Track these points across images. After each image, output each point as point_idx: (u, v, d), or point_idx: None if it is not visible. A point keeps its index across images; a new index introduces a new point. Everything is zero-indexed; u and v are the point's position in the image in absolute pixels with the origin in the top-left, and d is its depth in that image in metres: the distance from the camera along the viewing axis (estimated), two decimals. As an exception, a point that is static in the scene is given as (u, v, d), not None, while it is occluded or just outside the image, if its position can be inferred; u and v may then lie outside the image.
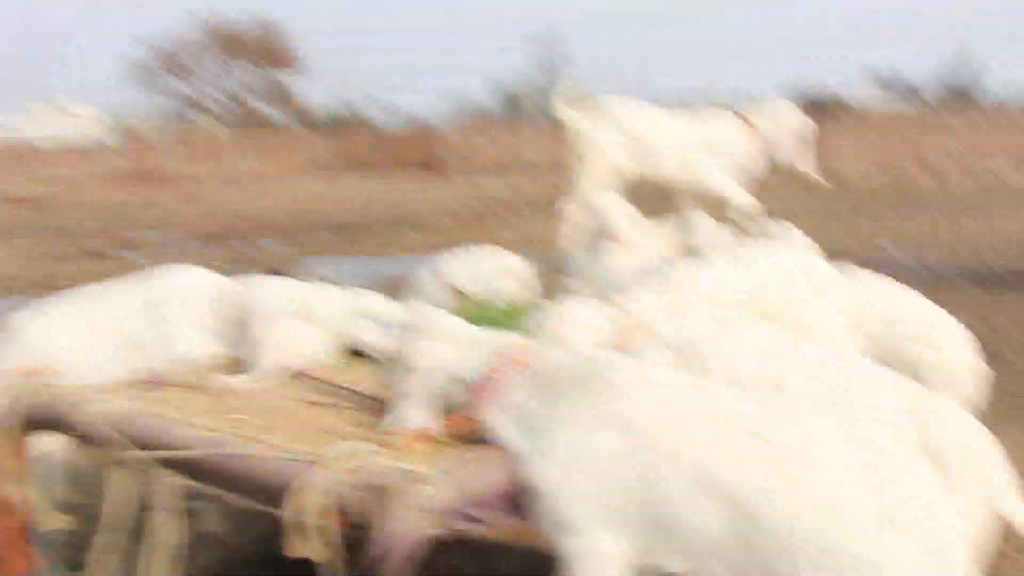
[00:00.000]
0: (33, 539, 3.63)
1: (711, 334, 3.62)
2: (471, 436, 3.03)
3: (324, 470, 2.59)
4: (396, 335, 3.28)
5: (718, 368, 3.45)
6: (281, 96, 50.68)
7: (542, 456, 2.84)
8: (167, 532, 3.04)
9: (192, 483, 2.95)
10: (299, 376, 3.87)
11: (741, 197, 6.32)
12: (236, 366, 4.03)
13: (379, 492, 2.52)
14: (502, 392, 3.02)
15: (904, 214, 19.22)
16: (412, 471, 2.60)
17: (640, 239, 5.81)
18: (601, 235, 5.69)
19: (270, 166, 38.40)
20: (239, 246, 18.39)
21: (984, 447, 3.23)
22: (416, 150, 38.31)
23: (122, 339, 4.21)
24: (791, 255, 4.69)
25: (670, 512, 2.72)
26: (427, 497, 2.54)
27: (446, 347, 3.17)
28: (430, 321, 3.25)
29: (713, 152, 6.26)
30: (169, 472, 2.97)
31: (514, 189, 29.24)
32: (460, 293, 5.79)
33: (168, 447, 2.94)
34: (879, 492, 2.64)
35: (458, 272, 5.76)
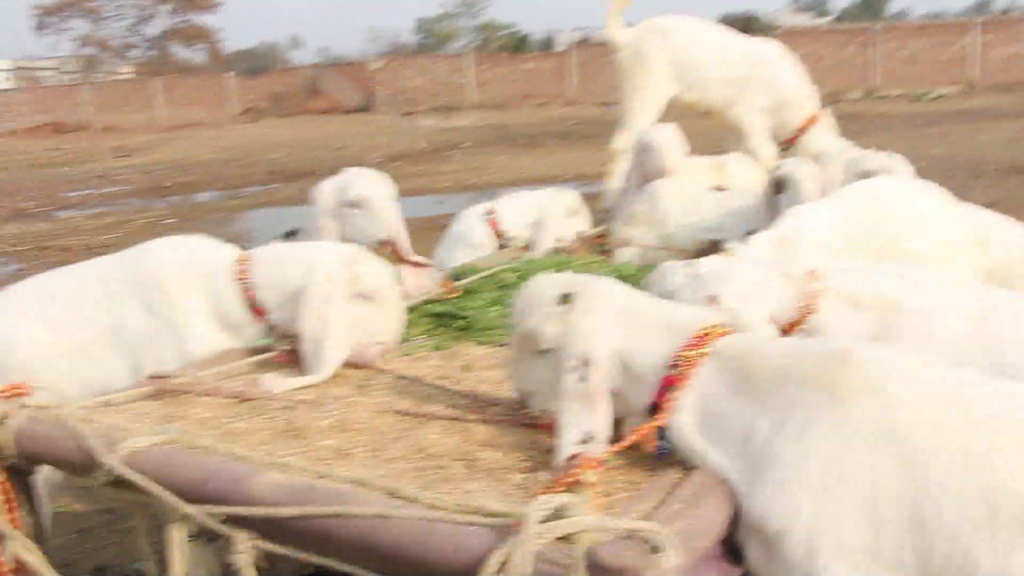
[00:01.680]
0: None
1: (899, 287, 2.83)
2: (651, 450, 2.21)
3: (526, 541, 1.70)
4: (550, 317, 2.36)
5: (924, 330, 2.68)
6: (200, 39, 48.16)
7: (779, 485, 2.01)
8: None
9: (290, 551, 2.02)
10: (371, 372, 2.98)
11: (766, 147, 5.76)
12: (266, 365, 3.13)
13: (610, 573, 1.66)
14: (700, 391, 2.19)
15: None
16: (638, 531, 1.74)
17: (691, 174, 5.10)
18: (652, 172, 4.90)
19: (196, 113, 36.58)
20: (182, 201, 17.24)
21: None
22: (347, 91, 36.97)
23: (111, 337, 3.26)
24: (892, 186, 3.99)
25: (957, 556, 1.94)
26: (672, 566, 1.70)
27: (613, 326, 2.31)
28: (591, 289, 2.37)
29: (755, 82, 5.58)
30: (248, 535, 2.07)
31: (452, 126, 28.76)
32: (513, 242, 4.99)
33: (242, 502, 2.04)
34: None
35: (514, 217, 4.96)
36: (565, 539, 1.74)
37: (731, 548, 2.08)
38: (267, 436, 2.48)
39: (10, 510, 2.59)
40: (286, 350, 3.12)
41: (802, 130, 5.47)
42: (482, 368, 3.05)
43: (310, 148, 24.38)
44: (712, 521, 1.98)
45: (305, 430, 2.47)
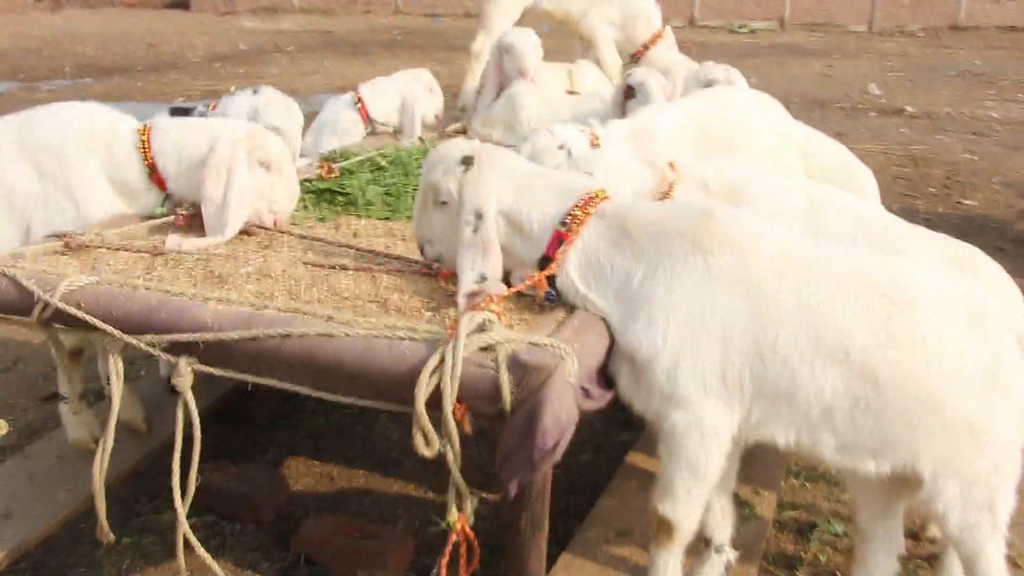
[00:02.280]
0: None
1: (749, 179, 3.32)
2: (540, 296, 2.61)
3: (455, 349, 2.05)
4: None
5: (764, 212, 3.18)
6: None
7: (649, 322, 2.45)
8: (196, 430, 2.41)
9: (231, 373, 2.30)
10: (272, 235, 3.23)
11: (611, 57, 6.18)
12: (166, 228, 3.32)
13: (533, 372, 2.04)
14: (584, 245, 2.59)
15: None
16: (544, 344, 2.13)
17: (545, 78, 5.49)
18: (511, 73, 5.25)
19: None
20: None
21: (1013, 291, 3.16)
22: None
23: (4, 197, 3.35)
24: (733, 95, 4.54)
25: (788, 379, 2.44)
26: (573, 375, 2.11)
27: (507, 189, 2.67)
28: (490, 155, 2.72)
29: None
30: (189, 359, 2.33)
31: (276, 28, 27.98)
32: (383, 127, 5.25)
33: (188, 329, 2.30)
34: (982, 351, 2.48)
35: (380, 104, 5.22)
36: (487, 349, 2.12)
37: (605, 377, 2.53)
38: (190, 284, 2.70)
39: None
40: (184, 215, 3.32)
41: (647, 46, 5.91)
42: (370, 236, 3.36)
43: (122, 43, 23.20)
44: (595, 347, 2.40)
45: (227, 277, 2.72)
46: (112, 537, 2.72)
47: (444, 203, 2.74)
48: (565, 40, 6.98)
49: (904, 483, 2.65)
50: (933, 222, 7.74)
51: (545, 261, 2.60)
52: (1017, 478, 2.60)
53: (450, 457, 2.09)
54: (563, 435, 2.04)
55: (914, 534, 3.58)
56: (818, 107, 14.64)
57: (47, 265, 2.79)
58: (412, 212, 3.39)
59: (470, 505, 2.19)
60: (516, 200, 2.66)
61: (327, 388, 2.25)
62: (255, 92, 3.92)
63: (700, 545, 2.97)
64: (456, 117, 5.76)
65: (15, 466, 3.52)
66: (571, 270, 2.59)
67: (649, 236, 2.54)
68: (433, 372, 2.07)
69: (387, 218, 3.63)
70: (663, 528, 2.60)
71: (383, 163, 4.21)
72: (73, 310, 2.44)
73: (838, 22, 30.40)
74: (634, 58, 5.89)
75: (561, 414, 2.02)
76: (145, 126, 3.43)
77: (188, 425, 2.48)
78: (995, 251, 7.74)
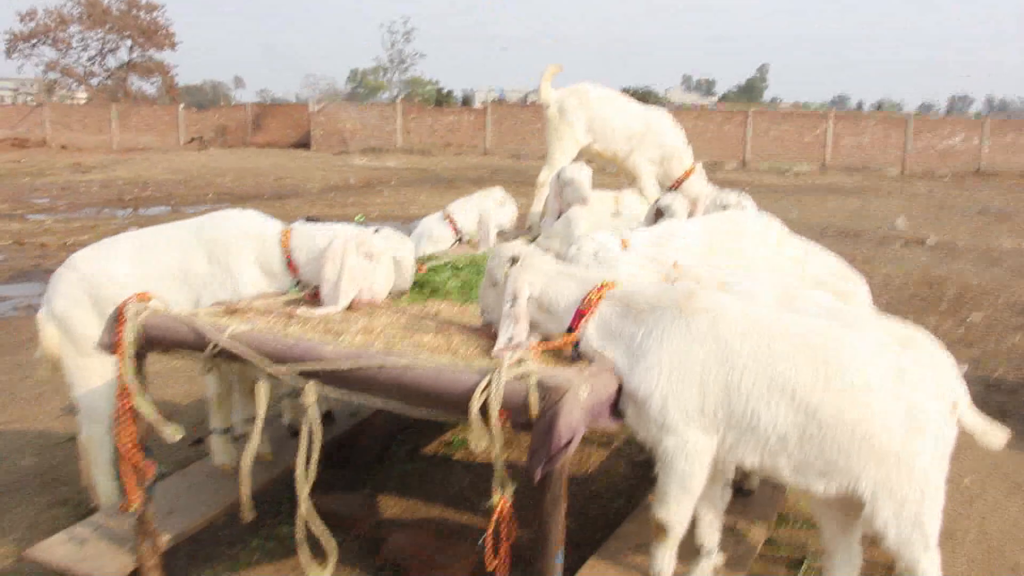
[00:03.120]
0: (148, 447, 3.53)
1: (732, 277, 3.87)
2: (567, 353, 3.18)
3: (500, 375, 2.66)
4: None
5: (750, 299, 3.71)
6: (156, 72, 47.98)
7: (646, 369, 3.00)
8: (317, 436, 3.05)
9: (343, 393, 2.93)
10: (373, 310, 3.87)
11: (652, 188, 6.76)
12: (298, 302, 3.99)
13: (553, 391, 2.62)
14: (599, 317, 3.17)
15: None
16: (567, 377, 2.72)
17: (595, 203, 6.12)
18: (571, 200, 5.90)
19: (147, 139, 36.59)
20: (141, 213, 17.62)
21: (950, 370, 3.59)
22: (286, 129, 37.39)
23: (183, 275, 4.10)
24: (742, 215, 5.06)
25: (749, 413, 2.94)
26: (585, 396, 2.67)
27: (538, 282, 3.29)
28: (530, 258, 3.36)
29: (648, 139, 6.63)
30: (315, 383, 2.96)
31: (381, 166, 29.29)
32: (467, 236, 5.99)
33: (322, 361, 2.94)
34: (902, 398, 2.94)
35: (463, 217, 5.97)
36: (522, 377, 2.71)
37: (616, 411, 3.07)
38: (315, 334, 3.32)
39: (143, 390, 3.42)
40: (309, 293, 4.00)
41: (682, 179, 6.55)
42: (448, 315, 3.99)
43: (253, 175, 24.82)
44: (607, 385, 2.96)
45: (340, 331, 3.35)
46: (254, 514, 3.32)
47: (495, 285, 3.37)
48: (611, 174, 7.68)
49: (854, 504, 3.09)
50: (939, 332, 8.13)
51: (570, 331, 3.19)
52: (941, 503, 3.02)
53: (496, 450, 2.67)
54: (573, 436, 2.60)
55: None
56: (851, 237, 15.12)
57: (214, 320, 3.46)
58: (476, 298, 4.08)
59: (509, 489, 2.74)
60: (545, 290, 3.27)
61: (409, 403, 2.84)
62: (376, 231, 4.48)
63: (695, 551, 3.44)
64: (522, 235, 6.43)
65: (178, 478, 4.19)
66: (590, 335, 3.17)
67: (648, 306, 3.11)
68: (483, 390, 2.67)
69: (462, 303, 4.23)
70: (659, 528, 3.10)
71: (461, 264, 4.85)
72: (236, 346, 3.10)
73: (875, 167, 30.72)
74: (671, 189, 6.52)
75: (571, 421, 2.59)
76: (286, 229, 4.16)
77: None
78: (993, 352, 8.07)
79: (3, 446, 5.62)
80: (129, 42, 48.03)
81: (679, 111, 32.65)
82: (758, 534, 3.98)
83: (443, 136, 35.17)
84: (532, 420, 2.64)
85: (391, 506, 4.63)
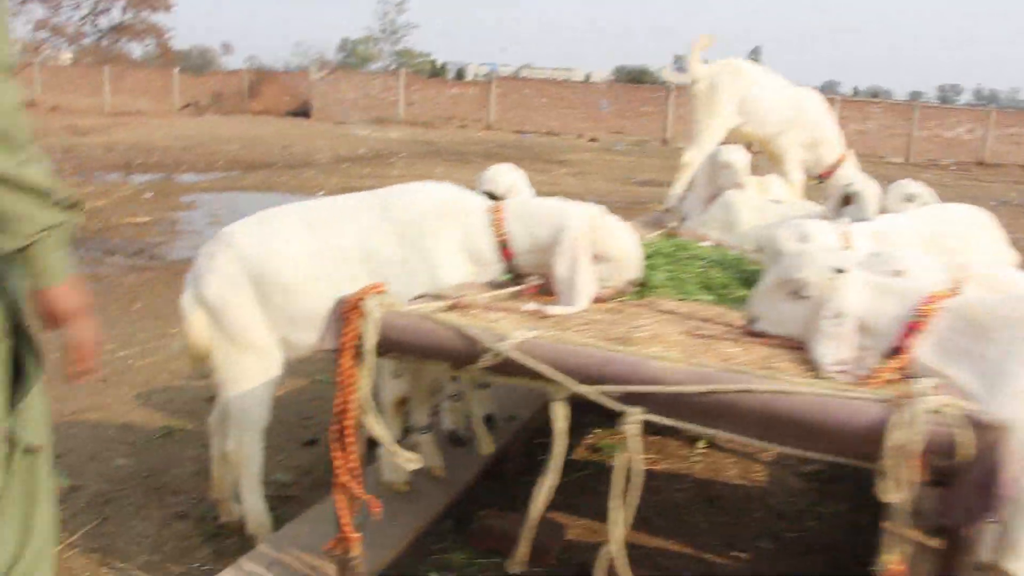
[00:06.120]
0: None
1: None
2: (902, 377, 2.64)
3: (919, 408, 2.11)
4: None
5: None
6: (149, 34, 46.35)
7: (1013, 396, 2.48)
8: (637, 471, 2.45)
9: (679, 423, 2.35)
10: (614, 305, 3.31)
11: (798, 174, 6.25)
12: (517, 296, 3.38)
13: (987, 430, 2.09)
14: (936, 334, 2.64)
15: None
16: (970, 408, 2.18)
17: (753, 190, 5.64)
18: (726, 184, 5.38)
19: (140, 103, 35.34)
20: (156, 178, 16.84)
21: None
22: (284, 96, 36.40)
23: (365, 258, 3.49)
24: (949, 208, 4.60)
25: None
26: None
27: (863, 299, 2.75)
28: (858, 271, 2.81)
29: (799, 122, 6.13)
30: (640, 409, 2.38)
31: (386, 137, 28.66)
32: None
33: (643, 383, 2.36)
34: None
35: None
36: (937, 411, 2.17)
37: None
38: (603, 343, 2.65)
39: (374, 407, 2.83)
40: (535, 284, 3.41)
41: (834, 166, 6.04)
42: (704, 315, 3.31)
43: (260, 143, 24.00)
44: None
45: (629, 340, 2.75)
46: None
47: (794, 293, 2.81)
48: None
49: None
50: None
51: (895, 351, 2.65)
52: None
53: (902, 501, 2.13)
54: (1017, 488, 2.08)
55: None
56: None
57: (483, 324, 2.81)
58: (693, 293, 3.54)
59: (906, 548, 2.21)
60: (868, 308, 2.74)
61: (775, 439, 2.29)
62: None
63: None
64: (657, 219, 5.86)
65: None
66: (926, 356, 2.64)
67: (999, 322, 2.59)
68: (900, 426, 2.12)
69: (677, 298, 3.64)
70: None
71: (666, 251, 4.20)
72: (526, 359, 2.51)
73: (878, 154, 30.49)
74: (823, 178, 6.01)
75: (1019, 464, 2.06)
76: (496, 206, 3.55)
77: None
78: None
79: (89, 443, 4.96)
80: (122, 2, 46.41)
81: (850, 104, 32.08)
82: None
83: (446, 109, 34.34)
84: (957, 464, 2.11)
85: (573, 527, 4.07)
